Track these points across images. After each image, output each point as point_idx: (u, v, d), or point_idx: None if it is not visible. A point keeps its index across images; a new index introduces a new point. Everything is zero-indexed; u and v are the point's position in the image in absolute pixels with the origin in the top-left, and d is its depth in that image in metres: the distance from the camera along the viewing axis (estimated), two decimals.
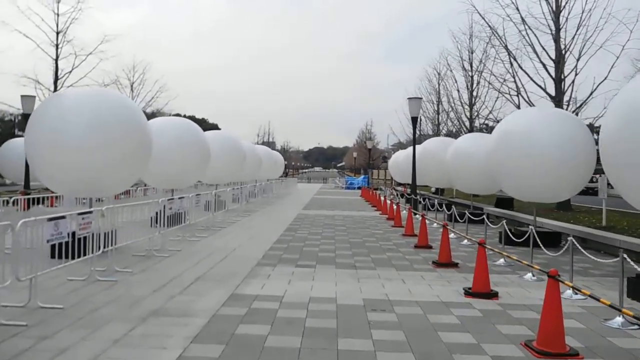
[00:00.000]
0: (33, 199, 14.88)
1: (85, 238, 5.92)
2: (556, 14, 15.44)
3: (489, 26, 17.66)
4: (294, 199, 24.23)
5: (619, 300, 4.73)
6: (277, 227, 12.02)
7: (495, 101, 22.44)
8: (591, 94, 14.90)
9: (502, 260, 7.71)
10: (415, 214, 12.28)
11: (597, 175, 13.12)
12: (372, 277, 6.54)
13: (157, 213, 8.29)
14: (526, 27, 15.93)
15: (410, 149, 20.80)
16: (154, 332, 4.17)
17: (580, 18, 14.98)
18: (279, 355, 3.72)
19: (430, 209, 15.74)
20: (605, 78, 14.53)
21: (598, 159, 8.98)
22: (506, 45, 16.88)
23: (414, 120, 17.12)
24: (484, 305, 5.26)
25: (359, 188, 37.98)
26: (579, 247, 5.63)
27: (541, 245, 6.75)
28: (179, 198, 9.19)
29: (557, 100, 15.28)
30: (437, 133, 29.90)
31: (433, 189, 26.39)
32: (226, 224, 12.35)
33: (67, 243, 6.19)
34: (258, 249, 8.64)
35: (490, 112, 22.61)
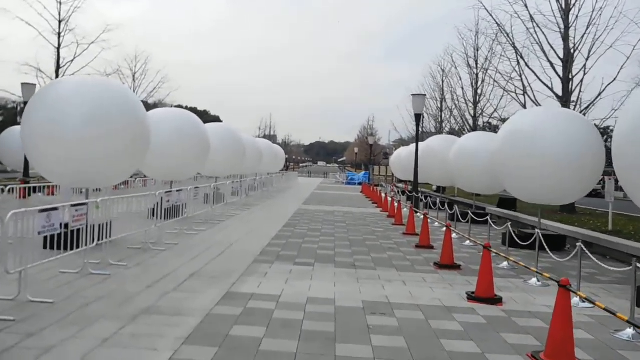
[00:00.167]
0: (32, 187, 14.76)
1: (79, 230, 5.76)
2: (566, 12, 15.13)
3: (497, 23, 17.37)
4: (294, 194, 24.06)
5: (630, 311, 4.55)
6: (276, 222, 11.85)
7: (500, 99, 22.18)
8: (599, 94, 14.65)
9: (505, 263, 7.53)
10: (416, 212, 12.09)
11: (607, 177, 12.89)
12: (372, 277, 6.38)
13: (155, 205, 8.13)
14: (534, 24, 15.66)
15: (413, 145, 20.57)
16: (145, 331, 4.00)
17: (591, 17, 14.70)
18: None
19: (432, 207, 15.56)
20: (615, 79, 14.28)
21: (606, 161, 8.85)
22: (513, 43, 16.60)
23: (417, 117, 16.87)
24: (488, 311, 5.09)
25: (359, 184, 37.79)
26: (588, 253, 5.44)
27: (547, 249, 6.57)
28: (177, 190, 9.02)
29: (564, 100, 15.03)
30: (439, 131, 29.62)
31: (434, 187, 26.20)
32: (225, 218, 12.19)
33: (60, 234, 6.05)
34: (256, 244, 8.48)
35: (495, 110, 22.34)
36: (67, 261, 5.84)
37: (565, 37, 15.19)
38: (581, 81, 14.96)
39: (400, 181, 34.49)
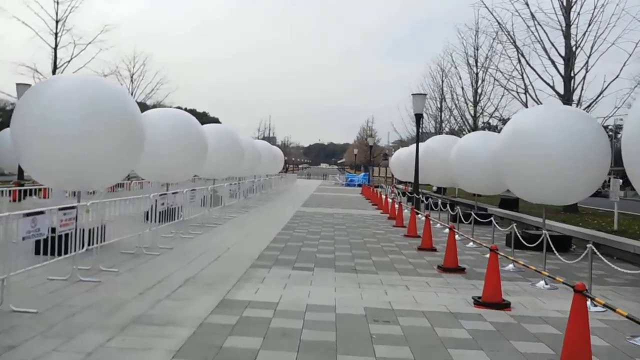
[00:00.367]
0: (26, 190, 14.49)
1: (67, 235, 5.51)
2: (567, 9, 14.95)
3: (497, 21, 17.17)
4: (293, 196, 23.82)
5: None
6: (275, 225, 11.60)
7: (501, 99, 21.99)
8: (602, 92, 14.45)
9: (511, 265, 7.29)
10: (417, 213, 11.85)
11: (612, 177, 12.69)
12: (374, 282, 6.13)
13: (150, 208, 7.88)
14: (535, 22, 15.46)
15: (413, 146, 20.34)
16: (133, 344, 3.75)
17: (592, 14, 14.51)
18: None
19: (433, 208, 15.32)
20: (617, 76, 14.09)
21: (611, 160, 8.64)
22: (514, 41, 16.40)
23: (418, 117, 16.65)
24: (496, 317, 4.85)
25: (359, 185, 37.57)
26: (599, 255, 5.20)
27: (554, 249, 6.33)
28: (173, 193, 8.77)
29: (566, 98, 14.83)
30: (439, 131, 29.43)
31: (434, 188, 25.98)
32: (222, 221, 11.94)
33: (52, 239, 5.80)
34: (254, 248, 8.23)
35: (496, 109, 22.13)
36: (56, 267, 5.60)
37: (567, 35, 15.00)
38: (583, 79, 14.77)
39: (400, 182, 34.28)
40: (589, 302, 5.01)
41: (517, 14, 15.98)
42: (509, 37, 16.68)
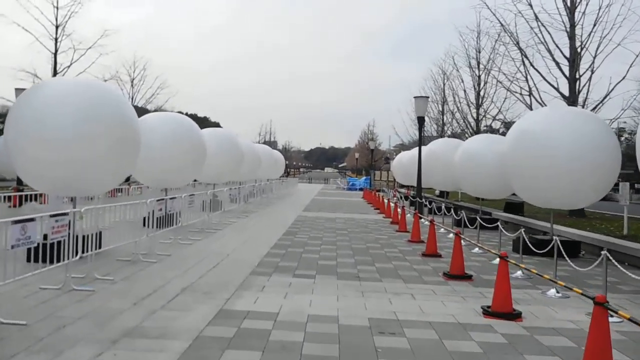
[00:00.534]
0: (25, 195, 14.32)
1: (59, 242, 5.31)
2: (571, 10, 14.77)
3: (500, 23, 17.00)
4: (294, 200, 23.61)
5: None
6: (276, 230, 11.39)
7: (504, 101, 21.79)
8: (608, 94, 14.23)
9: (519, 272, 7.06)
10: (420, 218, 11.63)
11: (619, 180, 12.43)
12: (378, 290, 5.91)
13: (148, 213, 7.69)
14: (539, 24, 15.28)
15: (415, 150, 20.13)
16: (125, 359, 3.54)
17: (598, 14, 14.32)
18: None
19: (437, 213, 15.09)
20: (624, 78, 13.88)
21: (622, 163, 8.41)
22: (518, 43, 16.21)
23: (420, 120, 16.46)
24: (507, 328, 4.62)
25: (360, 189, 37.33)
26: (614, 262, 4.97)
27: (565, 255, 6.10)
28: (170, 198, 8.58)
29: (571, 100, 14.62)
30: (441, 134, 29.22)
31: (437, 192, 25.71)
32: (222, 226, 11.74)
33: (44, 246, 5.61)
34: (253, 254, 8.01)
35: (500, 112, 21.92)
36: (49, 276, 5.40)
37: (572, 36, 14.81)
38: (589, 80, 14.56)
39: (402, 186, 34.03)
40: None
41: (520, 15, 15.83)
42: (512, 38, 16.51)
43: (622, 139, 36.84)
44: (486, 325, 4.69)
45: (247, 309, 4.87)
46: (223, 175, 14.77)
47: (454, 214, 12.61)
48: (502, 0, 23.45)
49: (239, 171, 15.81)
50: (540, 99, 15.81)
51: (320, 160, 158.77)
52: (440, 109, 30.36)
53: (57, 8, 24.20)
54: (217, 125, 60.05)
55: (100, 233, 7.04)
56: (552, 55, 15.17)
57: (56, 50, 25.11)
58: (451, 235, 11.46)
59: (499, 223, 8.66)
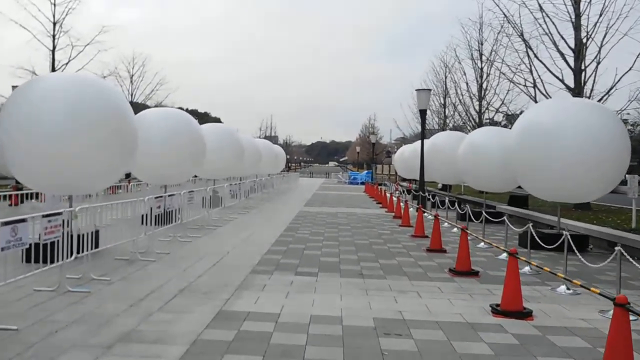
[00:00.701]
0: (25, 194, 14.17)
1: (53, 243, 5.14)
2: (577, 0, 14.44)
3: (503, 13, 16.67)
4: (295, 195, 23.43)
5: None
6: (277, 226, 11.22)
7: (507, 93, 21.48)
8: (614, 85, 13.95)
9: (527, 268, 6.87)
10: (424, 212, 11.43)
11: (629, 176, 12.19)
12: (383, 288, 5.73)
13: (148, 211, 7.52)
14: (544, 14, 14.95)
15: (417, 143, 19.88)
16: None
17: (604, 4, 13.99)
18: None
19: (440, 206, 14.89)
20: (630, 68, 13.58)
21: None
22: (522, 34, 15.89)
23: (423, 112, 16.21)
24: (518, 327, 4.44)
25: (362, 183, 37.14)
26: (629, 258, 4.78)
27: (575, 250, 5.91)
28: (169, 195, 8.40)
29: (577, 92, 14.34)
30: (443, 127, 28.94)
31: (440, 185, 25.49)
32: (222, 222, 11.57)
33: (40, 246, 5.44)
34: (254, 252, 7.84)
35: (503, 103, 21.61)
36: (44, 277, 5.24)
37: (577, 26, 14.50)
38: (594, 71, 14.27)
39: (404, 180, 33.81)
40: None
41: (524, 6, 15.50)
42: (516, 29, 16.19)
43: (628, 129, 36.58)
44: (496, 324, 4.51)
45: (247, 309, 4.70)
46: (223, 170, 14.59)
47: (457, 207, 12.41)
48: None
49: (239, 166, 15.63)
50: (545, 90, 15.54)
51: (322, 154, 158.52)
52: (442, 101, 30.07)
53: (55, 5, 23.93)
54: (217, 120, 59.78)
55: (98, 232, 6.89)
56: (556, 46, 14.87)
57: (54, 47, 24.88)
58: (455, 229, 11.29)
59: (505, 217, 8.44)
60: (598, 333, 4.34)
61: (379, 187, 24.73)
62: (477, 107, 24.00)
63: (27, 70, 23.68)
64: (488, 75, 23.29)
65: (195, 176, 18.54)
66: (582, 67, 14.49)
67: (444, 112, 30.10)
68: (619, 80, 13.86)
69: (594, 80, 14.38)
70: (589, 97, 14.27)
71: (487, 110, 23.80)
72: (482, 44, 23.47)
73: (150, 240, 7.44)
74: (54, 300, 4.88)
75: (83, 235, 5.84)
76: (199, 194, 10.69)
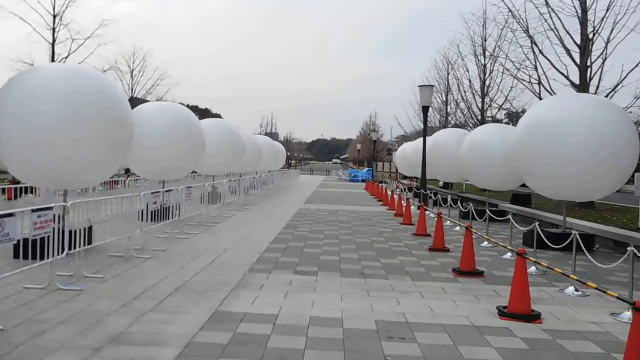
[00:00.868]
0: (21, 187, 14.00)
1: (43, 238, 4.96)
2: None
3: (508, 8, 16.41)
4: (296, 192, 23.25)
5: None
6: (276, 224, 11.04)
7: (510, 90, 21.24)
8: (621, 82, 13.72)
9: (533, 267, 6.68)
10: (426, 210, 11.24)
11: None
12: (384, 289, 5.55)
13: (145, 206, 7.33)
14: (549, 9, 14.70)
15: (418, 140, 19.67)
16: None
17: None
18: None
19: (442, 204, 14.70)
20: (637, 65, 13.33)
21: None
22: (527, 29, 15.64)
23: (425, 109, 15.99)
24: (526, 331, 4.25)
25: (362, 181, 36.95)
26: None
27: (585, 250, 5.71)
28: (166, 191, 8.21)
29: (582, 89, 14.10)
30: (445, 124, 28.71)
31: (441, 183, 25.29)
32: (221, 219, 11.39)
33: (31, 242, 5.26)
34: (252, 250, 7.66)
35: (507, 99, 21.35)
36: (35, 273, 5.07)
37: (583, 22, 14.24)
38: (601, 67, 14.02)
39: (405, 177, 33.59)
40: (629, 312, 4.40)
41: (529, 0, 15.23)
42: (521, 24, 15.93)
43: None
44: (503, 327, 4.33)
45: (244, 310, 4.52)
46: (224, 166, 14.41)
47: (460, 206, 12.22)
48: None
49: (239, 163, 15.44)
50: (550, 87, 15.31)
51: (322, 152, 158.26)
52: (444, 98, 29.80)
53: None
54: (218, 116, 59.45)
55: (91, 227, 6.70)
56: (562, 41, 14.63)
57: (54, 41, 24.65)
58: (458, 228, 11.10)
59: (510, 216, 8.25)
60: (611, 337, 4.16)
61: (380, 184, 24.53)
62: (479, 104, 23.78)
63: (26, 63, 23.44)
64: (491, 72, 23.06)
65: (194, 172, 18.36)
66: (588, 64, 14.25)
67: (446, 109, 29.85)
68: (625, 77, 13.63)
69: (600, 77, 14.16)
70: (595, 94, 14.03)
71: (489, 108, 23.57)
72: (485, 40, 23.21)
73: (146, 236, 7.26)
74: (44, 298, 4.70)
75: (75, 231, 5.66)
76: (197, 189, 10.50)
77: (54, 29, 24.60)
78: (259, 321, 4.23)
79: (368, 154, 62.03)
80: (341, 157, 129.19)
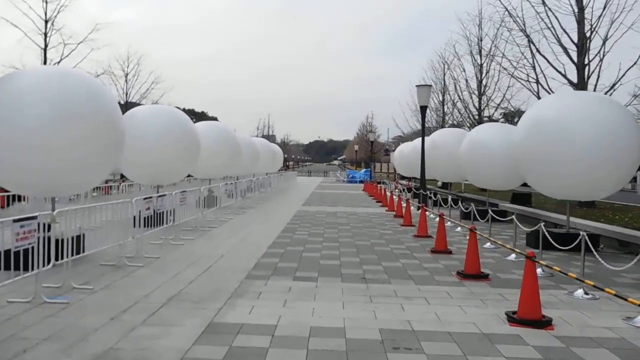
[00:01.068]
0: (13, 195, 13.69)
1: (27, 250, 4.70)
2: None
3: (504, 7, 16.26)
4: (293, 194, 23.01)
5: None
6: (274, 227, 10.80)
7: (507, 89, 21.11)
8: (618, 80, 13.58)
9: (539, 270, 6.46)
10: (426, 210, 11.03)
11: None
12: (388, 294, 5.32)
13: (138, 213, 7.07)
14: (546, 8, 14.56)
15: (416, 141, 19.50)
16: None
17: None
18: None
19: (442, 205, 14.49)
20: (635, 63, 13.20)
21: None
22: (524, 28, 15.49)
23: (423, 109, 15.81)
24: (538, 338, 4.04)
25: (361, 182, 36.76)
26: None
27: (593, 251, 5.52)
28: (159, 196, 7.95)
29: (580, 87, 13.95)
30: (442, 124, 28.56)
31: (440, 183, 25.11)
32: (218, 223, 11.14)
33: (16, 253, 5.00)
34: (249, 255, 7.42)
35: (504, 97, 21.21)
36: (20, 286, 4.81)
37: (580, 20, 14.11)
38: (598, 65, 13.88)
39: (403, 178, 33.41)
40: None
41: (526, 0, 15.08)
42: (518, 23, 15.78)
43: None
44: (514, 335, 4.11)
45: (240, 321, 4.28)
46: (220, 169, 14.16)
47: (461, 206, 12.03)
48: None
49: (236, 165, 15.20)
50: (548, 86, 15.15)
51: (320, 153, 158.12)
52: (441, 98, 29.66)
53: (47, 2, 23.40)
54: (214, 119, 59.20)
55: (83, 236, 6.45)
56: (559, 40, 14.48)
57: (46, 46, 24.33)
58: (459, 229, 10.90)
59: (514, 216, 8.05)
60: (627, 344, 3.95)
61: (379, 185, 24.34)
62: (476, 104, 23.64)
63: (18, 69, 23.14)
64: (488, 71, 22.93)
65: (190, 175, 18.09)
66: (586, 62, 14.11)
67: (443, 109, 29.72)
68: (623, 75, 13.50)
69: (598, 75, 14.02)
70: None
71: (487, 107, 23.42)
72: (481, 40, 23.09)
73: (139, 243, 7.01)
74: (28, 313, 4.44)
75: (63, 240, 5.41)
76: (193, 194, 10.25)
77: (45, 34, 24.30)
78: (257, 333, 3.99)
79: (365, 155, 61.85)
80: (339, 158, 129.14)
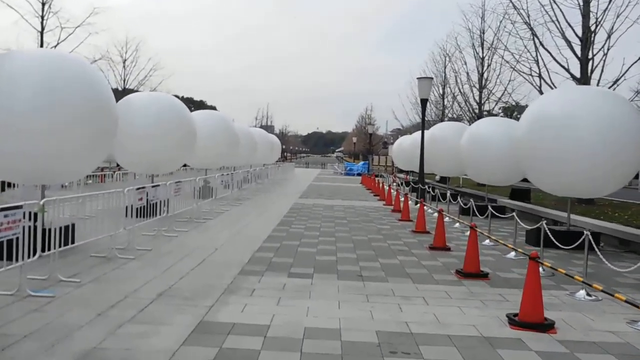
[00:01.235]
0: (3, 182, 13.43)
1: (12, 240, 4.51)
2: None
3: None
4: (291, 186, 22.84)
5: None
6: (270, 220, 10.63)
7: (508, 83, 20.87)
8: (623, 75, 13.39)
9: (540, 269, 6.31)
10: (424, 206, 10.87)
11: None
12: (385, 293, 5.17)
13: (131, 203, 6.87)
14: (551, 0, 14.28)
15: (416, 134, 19.28)
16: None
17: None
18: None
19: (441, 200, 14.35)
20: (639, 58, 12.98)
21: None
22: (528, 21, 15.21)
23: (424, 102, 15.61)
24: (541, 343, 3.90)
25: (358, 174, 36.60)
26: None
27: (597, 249, 5.37)
28: (152, 186, 7.75)
29: (583, 82, 13.75)
30: (442, 118, 28.33)
31: (437, 177, 24.96)
32: (213, 215, 10.96)
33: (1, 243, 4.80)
34: (244, 249, 7.25)
35: (505, 90, 20.97)
36: (5, 278, 4.61)
37: (585, 14, 13.85)
38: (602, 60, 13.66)
39: (400, 171, 33.26)
40: None
41: None
42: (522, 16, 15.50)
43: None
44: (515, 339, 3.97)
45: (232, 320, 4.12)
46: (217, 159, 13.95)
47: (461, 202, 11.87)
48: None
49: (234, 155, 14.99)
50: (551, 80, 14.94)
51: (318, 145, 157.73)
52: (441, 91, 29.38)
53: None
54: (213, 109, 58.64)
55: (73, 226, 6.25)
56: (563, 33, 14.23)
57: (42, 29, 23.84)
58: (458, 225, 10.76)
59: (514, 214, 7.90)
60: (632, 350, 3.82)
61: (377, 178, 24.17)
62: (477, 98, 23.40)
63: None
64: (489, 65, 22.66)
65: (186, 165, 17.85)
66: (589, 56, 13.88)
67: (443, 102, 29.46)
68: (627, 70, 13.30)
69: (602, 70, 13.81)
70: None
71: (487, 101, 23.20)
72: (484, 32, 22.77)
73: (131, 234, 6.82)
74: (11, 307, 4.26)
75: (50, 230, 5.22)
76: (188, 184, 10.04)
77: (42, 17, 23.81)
78: (249, 333, 3.83)
79: (364, 147, 61.61)
80: (337, 150, 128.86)
